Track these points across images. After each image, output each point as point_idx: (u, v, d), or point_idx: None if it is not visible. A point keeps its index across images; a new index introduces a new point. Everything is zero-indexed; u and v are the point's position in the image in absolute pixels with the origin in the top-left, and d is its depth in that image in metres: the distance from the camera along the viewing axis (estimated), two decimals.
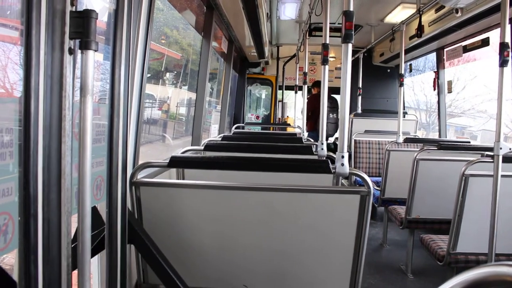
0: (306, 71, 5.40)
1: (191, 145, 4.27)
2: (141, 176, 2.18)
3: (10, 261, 1.45)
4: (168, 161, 2.12)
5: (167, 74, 7.24)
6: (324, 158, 2.70)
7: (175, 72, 7.51)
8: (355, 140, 6.23)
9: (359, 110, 7.60)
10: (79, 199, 1.31)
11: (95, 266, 2.08)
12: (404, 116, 6.27)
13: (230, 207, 2.13)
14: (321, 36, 3.34)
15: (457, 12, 4.16)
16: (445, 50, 5.83)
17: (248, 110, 9.41)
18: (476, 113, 14.74)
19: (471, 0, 3.90)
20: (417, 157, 3.93)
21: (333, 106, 8.10)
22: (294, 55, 7.92)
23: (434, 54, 6.22)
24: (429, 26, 4.97)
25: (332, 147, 7.78)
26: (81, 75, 1.25)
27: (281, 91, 9.02)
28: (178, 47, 7.23)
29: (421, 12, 4.80)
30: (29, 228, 1.12)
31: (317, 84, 8.15)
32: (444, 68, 6.08)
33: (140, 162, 2.22)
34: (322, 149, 3.17)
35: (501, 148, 2.69)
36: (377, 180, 5.47)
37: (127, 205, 1.76)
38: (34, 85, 1.11)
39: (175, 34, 6.90)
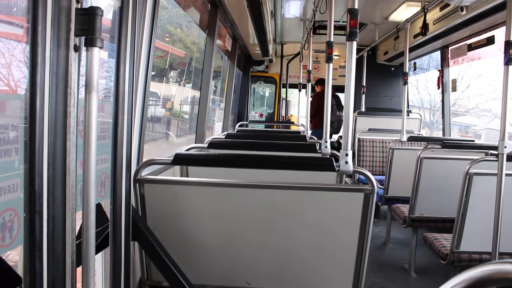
0: (310, 69, 5.39)
1: (195, 143, 4.28)
2: (145, 173, 2.18)
3: (14, 257, 1.46)
4: (172, 158, 2.13)
5: (171, 72, 7.24)
6: (328, 156, 2.70)
7: (179, 70, 7.51)
8: (358, 139, 6.22)
9: (363, 109, 7.59)
10: (83, 196, 1.31)
11: (99, 262, 2.08)
12: (408, 115, 6.26)
13: (233, 204, 2.13)
14: (325, 34, 3.33)
15: (462, 10, 4.14)
16: (450, 48, 5.80)
17: (251, 108, 9.40)
18: (481, 112, 14.68)
19: None
20: (421, 156, 3.92)
21: (338, 103, 8.09)
22: (298, 53, 7.91)
23: (439, 52, 6.19)
24: (433, 24, 4.95)
25: (336, 146, 7.77)
26: (86, 72, 1.26)
27: (284, 89, 9.00)
28: (182, 45, 7.23)
29: (425, 10, 4.78)
30: (34, 225, 1.13)
31: (320, 81, 8.14)
32: (448, 66, 6.06)
33: (144, 159, 2.23)
34: (326, 147, 3.17)
35: (505, 147, 2.68)
36: (380, 178, 5.46)
37: (131, 202, 1.77)
38: (40, 82, 1.11)
39: (179, 32, 6.90)
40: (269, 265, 2.20)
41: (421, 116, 7.14)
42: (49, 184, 1.17)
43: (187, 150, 3.03)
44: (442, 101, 6.20)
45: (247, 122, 7.36)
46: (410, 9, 5.30)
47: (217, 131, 6.67)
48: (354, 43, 2.23)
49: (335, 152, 3.07)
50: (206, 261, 2.22)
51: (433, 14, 4.90)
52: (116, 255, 1.64)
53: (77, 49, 1.23)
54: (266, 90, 9.82)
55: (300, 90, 7.33)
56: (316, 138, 4.47)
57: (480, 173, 2.94)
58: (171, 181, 2.22)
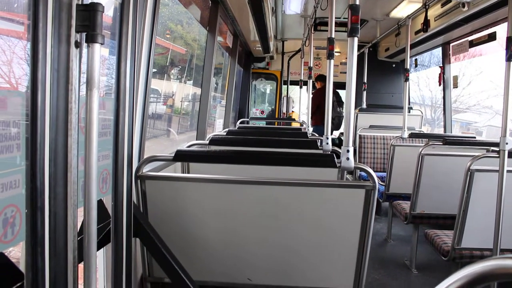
0: (311, 66, 5.39)
1: (196, 140, 4.28)
2: (146, 170, 2.18)
3: (16, 254, 1.46)
4: (173, 155, 2.13)
5: (172, 69, 7.24)
6: (329, 153, 2.70)
7: (180, 67, 7.51)
8: (360, 135, 6.22)
9: (364, 105, 7.58)
10: (85, 192, 1.31)
11: (100, 259, 2.09)
12: (409, 111, 6.25)
13: (235, 201, 2.14)
14: (327, 30, 3.33)
15: (463, 6, 4.13)
16: (451, 44, 5.79)
17: (252, 105, 9.39)
18: (482, 108, 14.67)
19: None
20: (422, 152, 3.92)
21: (338, 100, 8.08)
22: (299, 50, 7.90)
23: (440, 49, 6.18)
24: (435, 21, 4.94)
25: (337, 142, 7.77)
26: (87, 69, 1.26)
27: (286, 86, 9.00)
28: (183, 42, 7.23)
29: (427, 7, 4.77)
30: (36, 221, 1.13)
31: (320, 78, 8.12)
32: (450, 63, 6.05)
33: (145, 156, 2.23)
34: (327, 143, 3.17)
35: (507, 143, 2.67)
36: (381, 175, 5.47)
37: (133, 199, 1.77)
38: (41, 78, 1.11)
39: (180, 29, 6.89)
40: (270, 261, 2.20)
41: (422, 113, 7.13)
42: (51, 180, 1.17)
43: (188, 146, 3.03)
44: (444, 97, 6.19)
45: (248, 119, 7.35)
46: (411, 5, 5.29)
47: (218, 128, 6.68)
48: (355, 39, 2.23)
49: (336, 148, 3.07)
50: (207, 258, 2.22)
51: (435, 10, 4.88)
52: (117, 251, 1.64)
53: (78, 45, 1.22)
54: (267, 87, 9.81)
55: (301, 87, 7.32)
56: (317, 135, 4.47)
57: (482, 170, 2.94)
58: (173, 178, 2.22)
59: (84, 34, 1.24)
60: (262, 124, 8.55)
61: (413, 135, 4.87)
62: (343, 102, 7.92)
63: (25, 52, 1.34)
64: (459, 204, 3.03)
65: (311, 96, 5.63)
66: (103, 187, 1.58)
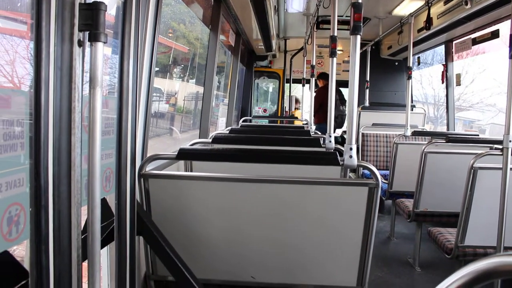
0: (314, 64, 5.38)
1: (199, 138, 4.28)
2: (149, 168, 2.19)
3: (21, 253, 1.47)
4: (176, 153, 2.13)
5: (175, 68, 7.24)
6: (332, 151, 2.70)
7: (183, 65, 7.51)
8: (362, 133, 6.21)
9: (367, 103, 7.57)
10: (88, 190, 1.32)
11: (104, 257, 2.09)
12: (412, 109, 6.23)
13: (238, 199, 2.14)
14: (329, 29, 3.32)
15: (466, 4, 4.12)
16: (454, 42, 5.78)
17: (255, 104, 9.39)
18: (485, 106, 14.62)
19: None
20: (425, 150, 3.92)
21: (341, 98, 8.07)
22: (301, 48, 7.89)
23: (443, 47, 6.16)
24: (437, 19, 4.93)
25: (340, 141, 7.75)
26: (90, 67, 1.26)
27: (288, 84, 8.99)
28: (186, 41, 7.23)
29: (429, 4, 4.75)
30: (40, 219, 1.14)
31: (322, 76, 8.10)
32: (452, 61, 6.03)
33: (148, 155, 2.23)
34: (330, 141, 3.16)
35: (510, 141, 2.66)
36: (384, 173, 5.46)
37: (136, 197, 1.77)
38: (44, 77, 1.11)
39: (182, 28, 6.89)
40: (274, 259, 2.21)
41: (425, 111, 7.11)
42: (55, 178, 1.17)
43: (191, 145, 3.03)
44: (446, 95, 6.18)
45: (250, 117, 7.35)
46: (414, 3, 5.28)
47: (220, 127, 6.68)
48: (358, 37, 2.23)
49: (339, 146, 3.07)
50: (210, 256, 2.22)
51: (437, 8, 4.87)
52: (121, 249, 1.64)
53: (81, 44, 1.23)
54: (270, 86, 9.81)
55: (303, 85, 7.32)
56: (320, 133, 4.47)
57: (485, 167, 2.93)
58: (176, 176, 2.22)
59: (87, 33, 1.24)
60: (265, 122, 8.55)
61: (416, 133, 4.86)
62: (345, 101, 7.90)
63: (28, 52, 1.35)
64: (462, 202, 3.02)
65: (313, 94, 5.63)
66: (106, 185, 1.59)
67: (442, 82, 6.14)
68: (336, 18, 3.19)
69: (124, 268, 1.66)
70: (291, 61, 8.74)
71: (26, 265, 1.17)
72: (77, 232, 1.27)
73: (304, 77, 7.41)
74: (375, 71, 7.75)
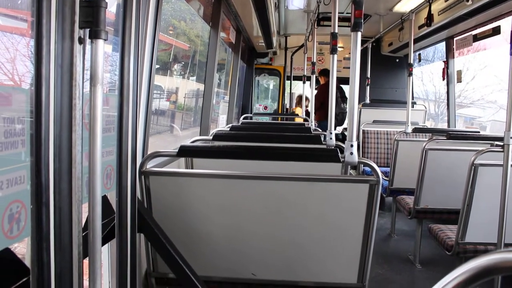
0: (315, 61, 5.37)
1: (200, 135, 4.28)
2: (150, 165, 2.19)
3: (22, 251, 1.47)
4: (177, 150, 2.13)
5: (175, 65, 7.23)
6: (333, 148, 2.70)
7: (183, 63, 7.50)
8: (363, 130, 6.21)
9: (368, 100, 7.56)
10: (89, 188, 1.32)
11: (105, 254, 2.10)
12: (413, 106, 6.23)
13: (238, 196, 2.14)
14: (329, 25, 3.32)
15: (467, 0, 4.11)
16: (455, 39, 5.76)
17: (256, 101, 9.38)
18: (486, 103, 14.61)
19: None
20: (426, 147, 3.91)
21: (342, 95, 8.05)
22: (302, 45, 7.87)
23: (444, 43, 6.15)
24: (438, 15, 4.92)
25: (340, 138, 7.75)
26: (91, 64, 1.26)
27: (289, 81, 8.97)
28: (186, 38, 7.22)
29: (430, 1, 4.74)
30: (41, 216, 1.14)
31: (324, 72, 8.08)
32: (453, 57, 6.02)
33: (149, 152, 2.23)
34: (331, 138, 3.16)
35: (511, 138, 2.66)
36: (385, 170, 5.46)
37: (137, 195, 1.77)
38: (45, 74, 1.11)
39: (183, 25, 6.89)
40: (275, 257, 2.21)
41: (426, 108, 7.11)
42: (56, 176, 1.17)
43: (192, 142, 3.03)
44: (447, 92, 6.17)
45: (251, 115, 7.35)
46: None
47: (221, 124, 6.68)
48: (359, 33, 2.22)
49: (340, 143, 3.07)
50: (211, 253, 2.23)
51: (438, 5, 4.86)
52: (122, 246, 1.65)
53: (81, 41, 1.23)
54: (270, 83, 9.80)
55: (304, 82, 7.31)
56: (320, 130, 4.46)
57: (486, 164, 2.93)
58: (177, 173, 2.22)
59: (87, 30, 1.24)
60: (266, 119, 8.55)
61: (416, 130, 4.86)
62: (347, 98, 7.89)
63: (28, 49, 1.35)
64: (463, 198, 3.02)
65: (314, 91, 5.62)
66: (107, 182, 1.59)
67: (443, 79, 6.13)
68: (337, 14, 3.18)
69: (125, 265, 1.66)
70: (291, 58, 8.72)
71: (27, 262, 1.18)
72: (78, 229, 1.27)
73: (305, 74, 7.40)
74: (375, 68, 7.74)
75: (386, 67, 8.19)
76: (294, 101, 9.52)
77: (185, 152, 2.27)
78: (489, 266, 0.73)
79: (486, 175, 2.93)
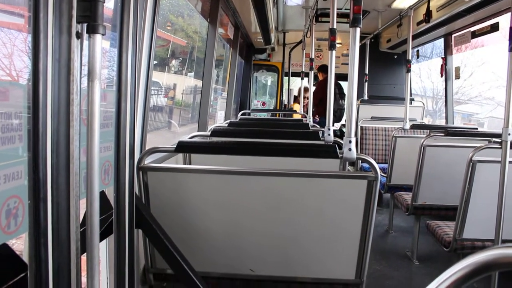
0: (313, 57, 5.37)
1: (198, 131, 4.28)
2: (148, 161, 2.19)
3: (19, 247, 1.47)
4: (175, 146, 2.13)
5: (173, 61, 7.22)
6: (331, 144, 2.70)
7: (181, 59, 7.49)
8: (361, 127, 6.21)
9: (366, 97, 7.55)
10: (87, 183, 1.32)
11: (103, 250, 2.09)
12: (411, 103, 6.23)
13: (236, 192, 2.14)
14: (328, 22, 3.31)
15: None
16: (453, 35, 5.76)
17: (254, 97, 9.38)
18: (484, 100, 14.61)
19: None
20: (424, 143, 3.92)
21: (341, 92, 8.05)
22: (300, 41, 7.86)
23: (442, 40, 6.15)
24: (437, 11, 4.91)
25: (338, 134, 7.75)
26: (89, 59, 1.25)
27: (287, 77, 8.97)
28: (184, 34, 7.21)
29: None
30: (38, 212, 1.13)
31: (322, 68, 8.07)
32: (452, 54, 6.02)
33: (147, 148, 2.23)
34: (329, 134, 3.16)
35: (509, 134, 2.66)
36: (383, 166, 5.46)
37: (135, 190, 1.77)
38: (42, 69, 1.11)
39: (181, 21, 6.87)
40: (272, 252, 2.21)
41: (424, 104, 7.11)
42: (53, 171, 1.17)
43: (190, 138, 3.03)
44: (445, 89, 6.17)
45: (249, 111, 7.35)
46: None
47: (219, 120, 6.67)
48: (358, 29, 2.22)
49: (338, 139, 3.07)
50: (209, 249, 2.23)
51: (437, 1, 4.86)
52: (120, 242, 1.65)
53: (79, 36, 1.22)
54: (269, 79, 9.79)
55: (302, 79, 7.30)
56: (318, 126, 4.46)
57: (483, 161, 2.93)
58: (175, 169, 2.22)
59: (85, 25, 1.24)
60: (264, 115, 8.54)
61: (414, 127, 4.86)
62: (345, 95, 7.88)
63: (26, 44, 1.34)
64: (461, 195, 3.03)
65: (312, 87, 5.61)
66: (105, 178, 1.58)
67: (441, 76, 6.13)
68: (336, 10, 3.18)
69: (123, 261, 1.66)
70: (290, 54, 8.71)
71: (25, 258, 1.17)
72: (76, 225, 1.27)
73: (303, 70, 7.39)
74: (374, 64, 7.73)
75: (385, 63, 8.18)
76: (292, 97, 9.51)
77: (183, 148, 2.26)
78: (487, 262, 0.73)
79: (484, 172, 2.94)
